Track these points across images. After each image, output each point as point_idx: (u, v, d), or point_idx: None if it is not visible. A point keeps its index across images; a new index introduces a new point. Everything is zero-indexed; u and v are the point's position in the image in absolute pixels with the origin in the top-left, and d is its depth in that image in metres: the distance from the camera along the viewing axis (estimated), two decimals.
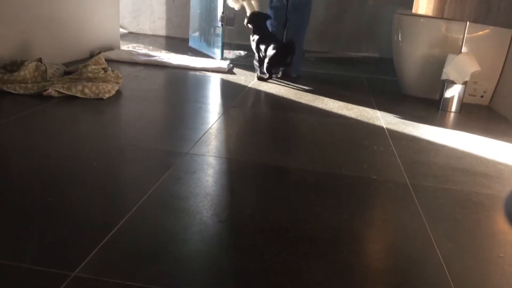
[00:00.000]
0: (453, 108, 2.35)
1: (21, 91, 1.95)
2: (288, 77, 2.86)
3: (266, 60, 2.68)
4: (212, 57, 3.36)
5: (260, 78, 2.72)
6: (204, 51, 3.60)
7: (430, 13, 2.08)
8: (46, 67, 2.10)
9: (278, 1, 2.87)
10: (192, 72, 2.82)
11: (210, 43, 3.56)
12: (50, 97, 1.93)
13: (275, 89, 2.54)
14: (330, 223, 1.10)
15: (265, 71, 2.71)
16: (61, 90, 1.95)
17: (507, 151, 1.80)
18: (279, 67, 2.80)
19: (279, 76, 2.82)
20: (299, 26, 2.89)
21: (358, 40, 4.27)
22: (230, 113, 2.00)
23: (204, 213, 1.09)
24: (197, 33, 3.88)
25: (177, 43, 4.11)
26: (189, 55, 3.42)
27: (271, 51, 2.67)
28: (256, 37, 2.79)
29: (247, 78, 2.76)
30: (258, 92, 2.45)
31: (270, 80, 2.71)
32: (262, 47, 2.75)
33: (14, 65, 2.09)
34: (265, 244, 0.98)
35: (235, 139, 1.72)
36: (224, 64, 2.97)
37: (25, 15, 2.32)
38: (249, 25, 2.81)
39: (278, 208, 1.16)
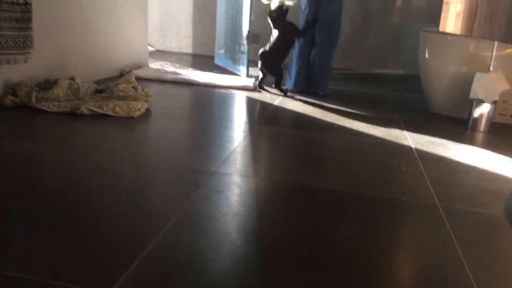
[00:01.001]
0: (482, 127, 2.31)
1: (55, 109, 2.01)
2: (315, 95, 2.87)
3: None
4: (238, 75, 3.40)
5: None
6: (230, 69, 3.65)
7: (458, 32, 2.06)
8: (78, 85, 2.17)
9: (305, 19, 2.89)
10: (218, 90, 2.85)
11: (235, 61, 3.61)
12: (82, 115, 1.99)
13: (301, 107, 2.55)
14: (360, 245, 1.09)
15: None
16: (93, 108, 2.01)
17: None
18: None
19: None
20: (327, 44, 2.90)
21: (383, 57, 4.26)
22: (256, 131, 2.02)
23: (233, 233, 1.10)
24: (222, 51, 3.94)
25: (203, 61, 4.18)
26: (214, 72, 3.47)
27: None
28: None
29: (272, 96, 2.78)
30: (284, 110, 2.47)
31: (296, 97, 2.73)
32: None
33: (48, 84, 2.16)
34: (294, 267, 0.98)
35: (262, 158, 1.73)
36: (250, 82, 3.00)
37: (58, 34, 2.41)
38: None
39: (307, 229, 1.16)
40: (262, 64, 2.89)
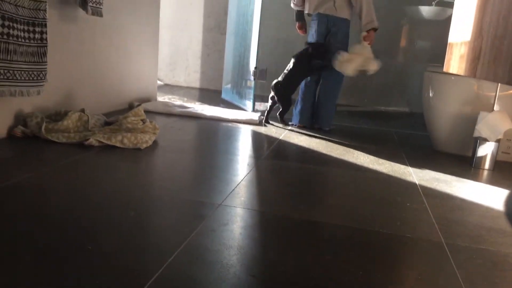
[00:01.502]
0: (487, 165, 2.32)
1: (64, 140, 2.05)
2: (320, 131, 2.90)
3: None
4: (244, 109, 3.45)
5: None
6: (236, 103, 3.71)
7: (462, 73, 2.11)
8: (88, 117, 2.21)
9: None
10: (224, 124, 2.90)
11: (242, 95, 3.68)
12: (91, 146, 2.02)
13: (306, 142, 2.58)
14: (364, 282, 1.09)
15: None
16: (102, 140, 2.04)
17: None
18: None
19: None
20: (333, 81, 2.96)
21: (388, 95, 4.32)
22: (261, 165, 2.04)
23: (238, 267, 1.11)
24: (229, 86, 4.02)
25: (211, 95, 4.25)
26: (221, 106, 3.52)
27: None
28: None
29: (277, 130, 2.81)
30: (289, 144, 2.50)
31: (301, 132, 2.76)
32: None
33: (58, 115, 2.21)
34: None
35: (267, 191, 1.74)
36: (255, 116, 3.05)
37: (70, 68, 2.48)
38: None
39: (311, 264, 1.16)
40: (274, 93, 2.95)
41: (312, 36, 2.96)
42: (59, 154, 1.92)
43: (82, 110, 2.26)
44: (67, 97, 2.46)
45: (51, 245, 1.14)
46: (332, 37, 2.89)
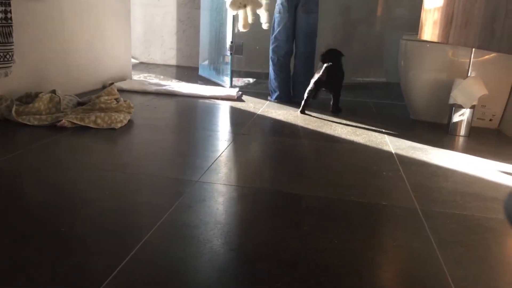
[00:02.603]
0: (462, 132, 2.35)
1: (36, 123, 2.00)
2: (298, 104, 2.89)
3: (312, 82, 2.66)
4: (222, 85, 3.42)
5: (303, 111, 2.66)
6: (214, 79, 3.66)
7: (435, 39, 2.11)
8: (60, 98, 2.16)
9: (284, 31, 2.92)
10: (202, 100, 2.86)
11: (219, 72, 3.63)
12: (63, 128, 1.98)
13: (284, 116, 2.57)
14: (341, 250, 1.10)
15: (305, 94, 2.65)
16: (74, 121, 2.00)
17: None
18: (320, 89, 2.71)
19: (332, 110, 2.73)
20: (309, 53, 2.94)
21: (366, 66, 4.31)
22: (239, 140, 2.03)
23: (215, 241, 1.11)
24: (206, 62, 3.96)
25: (188, 72, 4.19)
26: (199, 83, 3.48)
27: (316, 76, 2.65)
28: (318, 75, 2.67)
29: (256, 105, 2.79)
30: (267, 119, 2.49)
31: (282, 106, 2.75)
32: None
33: (29, 97, 2.15)
34: (277, 273, 0.99)
35: (245, 166, 1.74)
36: (233, 92, 3.02)
37: (39, 48, 2.40)
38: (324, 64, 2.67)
39: (289, 235, 1.17)
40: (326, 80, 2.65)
41: (281, 4, 2.90)
42: (31, 136, 1.87)
43: (53, 91, 2.20)
44: (37, 79, 2.40)
45: (25, 229, 1.12)
46: (303, 6, 2.84)
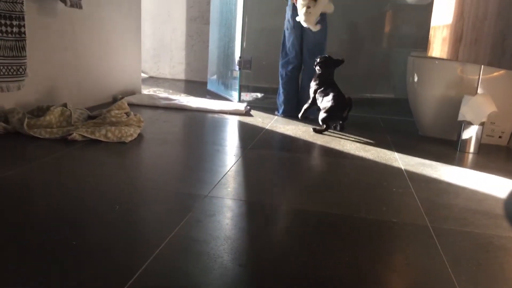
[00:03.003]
0: (471, 149, 2.34)
1: (47, 136, 2.01)
2: (306, 120, 2.90)
3: (322, 112, 2.58)
4: (230, 100, 3.43)
5: (316, 131, 2.56)
6: (222, 94, 3.69)
7: (444, 56, 2.12)
8: (71, 112, 2.18)
9: (292, 47, 2.95)
10: (210, 115, 2.88)
11: (227, 86, 3.66)
12: (74, 141, 2.00)
13: (292, 131, 2.57)
14: (351, 267, 1.09)
15: (321, 123, 2.57)
16: (85, 134, 2.01)
17: None
18: (335, 120, 2.62)
19: (337, 129, 2.64)
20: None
21: (373, 81, 4.33)
22: (248, 155, 2.03)
23: (225, 257, 1.10)
24: (215, 77, 3.99)
25: (196, 87, 4.22)
26: (207, 98, 3.50)
27: (326, 103, 2.57)
28: (316, 82, 2.70)
29: (264, 120, 2.80)
30: (275, 134, 2.49)
31: (290, 121, 2.75)
32: (319, 95, 2.65)
33: (40, 111, 2.17)
34: None
35: (253, 181, 1.74)
36: (242, 106, 3.03)
37: (52, 62, 2.44)
38: (317, 68, 2.71)
39: (299, 251, 1.16)
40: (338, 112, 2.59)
41: (288, 21, 2.93)
42: (42, 150, 1.89)
43: (65, 105, 2.23)
44: (49, 92, 2.42)
45: (35, 241, 1.12)
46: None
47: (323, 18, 2.90)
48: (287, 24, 2.95)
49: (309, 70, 2.96)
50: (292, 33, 2.92)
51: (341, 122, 2.63)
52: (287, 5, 2.96)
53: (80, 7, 2.44)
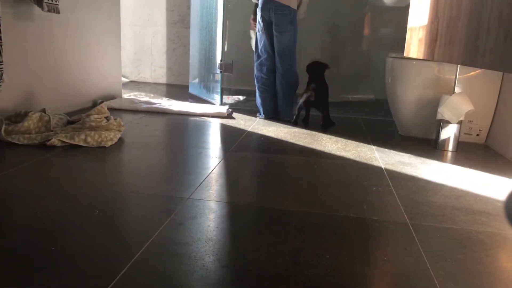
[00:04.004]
0: (450, 147, 2.39)
1: (25, 142, 1.99)
2: (287, 121, 2.91)
3: (301, 100, 2.82)
4: (212, 103, 3.43)
5: (295, 123, 2.85)
6: (204, 97, 3.68)
7: (421, 57, 2.15)
8: (49, 117, 2.15)
9: (264, 48, 2.96)
10: (192, 118, 2.87)
11: (209, 89, 3.66)
12: (53, 147, 1.97)
13: (274, 132, 2.59)
14: (332, 266, 1.11)
15: (295, 111, 2.84)
16: (64, 140, 1.99)
17: (505, 188, 1.81)
18: (310, 107, 2.86)
19: (302, 118, 2.90)
20: (287, 71, 2.96)
21: (354, 83, 4.37)
22: (230, 157, 2.04)
23: (206, 258, 1.10)
24: (196, 80, 3.99)
25: (178, 90, 4.21)
26: (189, 101, 3.50)
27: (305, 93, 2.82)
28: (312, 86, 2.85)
29: (246, 122, 2.81)
30: (257, 136, 2.50)
31: (272, 123, 2.77)
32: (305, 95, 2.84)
33: (18, 116, 2.14)
34: None
35: (236, 183, 1.74)
36: (224, 109, 3.03)
37: (29, 67, 2.41)
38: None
39: (280, 251, 1.17)
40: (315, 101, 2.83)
41: (258, 23, 2.95)
42: (21, 156, 1.86)
43: (43, 110, 2.20)
44: (27, 98, 2.39)
45: (15, 249, 1.11)
46: (275, 25, 2.88)
47: (293, 22, 2.90)
48: (258, 26, 2.96)
49: (279, 73, 2.96)
50: (263, 34, 2.94)
51: (321, 114, 2.84)
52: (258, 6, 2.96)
53: (58, 12, 2.42)
